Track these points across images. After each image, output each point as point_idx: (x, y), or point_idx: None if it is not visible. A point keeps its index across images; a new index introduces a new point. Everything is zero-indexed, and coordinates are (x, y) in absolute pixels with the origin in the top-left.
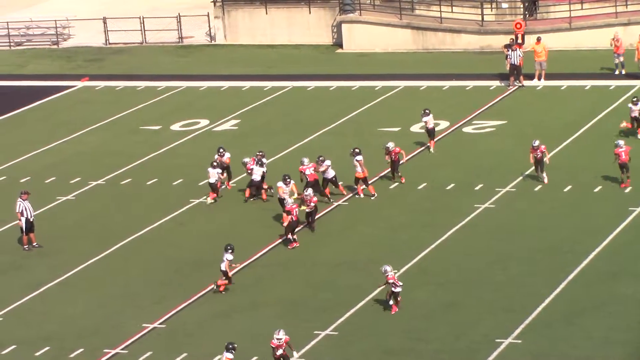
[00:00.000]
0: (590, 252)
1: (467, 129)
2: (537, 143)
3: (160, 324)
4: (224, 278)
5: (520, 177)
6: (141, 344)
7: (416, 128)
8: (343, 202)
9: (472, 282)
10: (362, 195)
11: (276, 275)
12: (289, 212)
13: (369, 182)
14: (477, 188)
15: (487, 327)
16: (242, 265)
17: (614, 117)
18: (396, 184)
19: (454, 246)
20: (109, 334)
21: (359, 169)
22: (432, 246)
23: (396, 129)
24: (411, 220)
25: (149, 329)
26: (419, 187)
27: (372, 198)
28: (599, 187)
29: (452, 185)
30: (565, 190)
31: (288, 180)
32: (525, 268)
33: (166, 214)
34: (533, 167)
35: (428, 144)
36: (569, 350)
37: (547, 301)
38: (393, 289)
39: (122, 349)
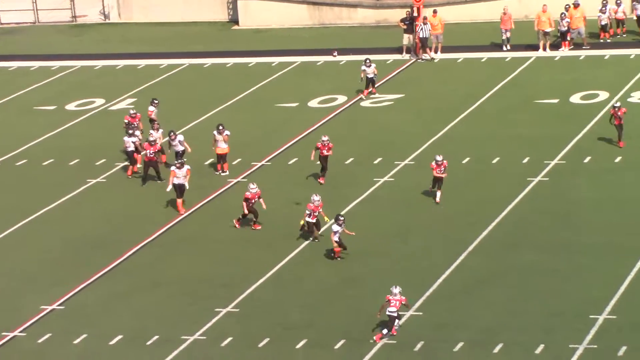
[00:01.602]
0: (490, 223)
1: (365, 103)
2: (440, 158)
3: (59, 305)
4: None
5: (419, 150)
6: (40, 326)
7: (314, 103)
8: (242, 178)
9: (372, 255)
10: (226, 172)
11: (176, 253)
12: (247, 200)
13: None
14: (376, 162)
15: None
16: (141, 245)
17: (510, 89)
18: (296, 159)
19: (354, 220)
20: (7, 317)
21: (223, 144)
22: (331, 222)
23: (294, 105)
24: (310, 195)
25: (47, 310)
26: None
27: (223, 174)
28: (497, 159)
29: (351, 159)
30: (464, 162)
31: (179, 164)
32: (424, 240)
33: (63, 194)
34: (429, 143)
35: (370, 91)
36: (470, 321)
37: (447, 273)
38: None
39: (20, 332)
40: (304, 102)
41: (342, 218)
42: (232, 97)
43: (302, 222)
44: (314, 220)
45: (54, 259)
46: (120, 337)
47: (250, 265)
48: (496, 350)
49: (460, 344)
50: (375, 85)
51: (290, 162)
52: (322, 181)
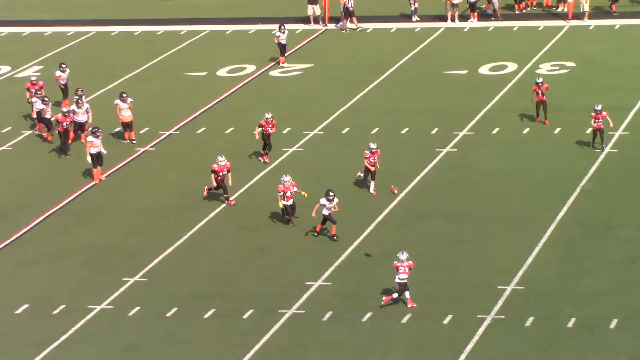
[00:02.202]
0: (399, 194)
1: (274, 73)
2: (374, 146)
3: None
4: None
5: (328, 120)
6: None
7: (223, 72)
8: (150, 147)
9: (281, 226)
10: (134, 140)
11: (83, 223)
12: (214, 172)
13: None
14: (285, 132)
15: (297, 270)
16: (48, 214)
17: (419, 60)
18: (204, 128)
19: (264, 190)
20: None
21: (127, 112)
22: (241, 190)
23: (202, 74)
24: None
25: None
26: (227, 132)
27: (133, 142)
28: (406, 129)
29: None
30: (373, 132)
31: (98, 132)
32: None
33: None
34: (338, 113)
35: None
36: (378, 291)
37: (356, 243)
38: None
39: None
40: (212, 71)
41: (332, 194)
42: (140, 66)
43: (280, 206)
44: (290, 202)
45: None
46: (26, 306)
47: (159, 235)
48: (404, 320)
49: (369, 314)
50: (285, 55)
51: (198, 132)
52: (266, 160)
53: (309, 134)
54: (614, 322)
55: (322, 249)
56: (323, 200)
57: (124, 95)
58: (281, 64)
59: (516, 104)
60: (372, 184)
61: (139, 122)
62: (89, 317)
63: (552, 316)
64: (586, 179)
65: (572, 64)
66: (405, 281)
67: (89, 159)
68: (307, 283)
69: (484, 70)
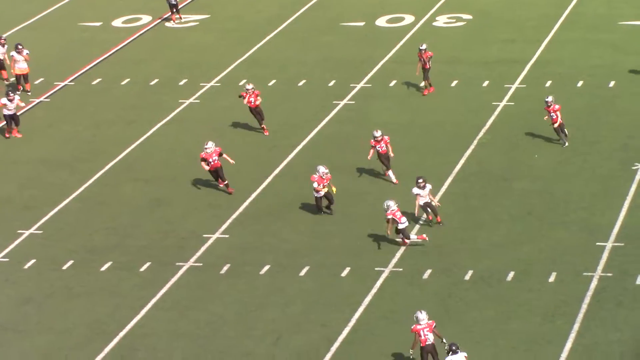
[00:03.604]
0: (296, 146)
1: (170, 24)
2: (379, 134)
3: None
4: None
5: (225, 72)
6: None
7: (118, 23)
8: (44, 98)
9: (177, 178)
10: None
11: None
12: (204, 160)
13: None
14: (181, 83)
15: (194, 223)
16: None
17: (316, 11)
18: (99, 79)
19: (160, 142)
20: None
21: (23, 64)
22: (137, 142)
23: (97, 24)
24: (116, 117)
25: None
26: (123, 83)
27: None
28: (304, 81)
29: (156, 80)
30: (270, 84)
31: (11, 95)
32: (229, 163)
33: None
34: (235, 65)
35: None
36: (276, 244)
37: (254, 195)
38: (397, 225)
39: None
40: (108, 22)
41: (421, 180)
42: (33, 16)
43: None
44: (321, 194)
45: None
46: None
47: (53, 187)
48: (302, 273)
49: (267, 267)
50: (180, 7)
51: (93, 83)
52: (266, 133)
53: (206, 85)
54: (511, 274)
55: (220, 202)
56: (416, 190)
57: (20, 47)
58: (175, 22)
59: (413, 57)
60: (390, 172)
61: (34, 73)
62: None
63: (450, 269)
64: (483, 132)
65: (469, 17)
66: (406, 225)
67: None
68: (204, 236)
69: (381, 22)
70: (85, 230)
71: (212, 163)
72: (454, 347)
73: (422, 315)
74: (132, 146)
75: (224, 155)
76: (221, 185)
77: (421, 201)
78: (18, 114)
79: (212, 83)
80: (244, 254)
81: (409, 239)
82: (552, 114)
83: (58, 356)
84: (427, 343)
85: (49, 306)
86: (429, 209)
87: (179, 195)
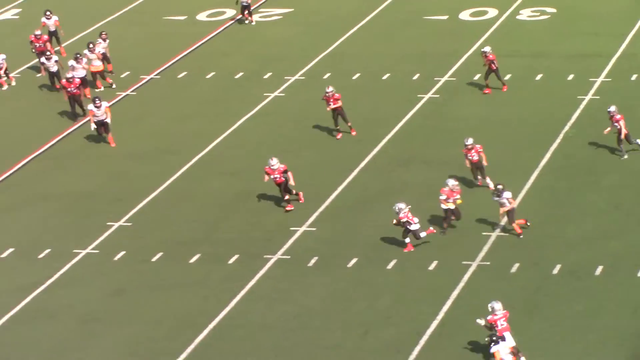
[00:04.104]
0: (381, 139)
1: (254, 17)
2: (470, 142)
3: None
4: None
5: (309, 66)
6: None
7: (202, 17)
8: (131, 92)
9: (263, 171)
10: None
11: (65, 167)
12: (267, 174)
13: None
14: (266, 76)
15: (281, 216)
16: (29, 158)
17: (400, 5)
18: (185, 72)
19: (246, 135)
20: None
21: (97, 62)
22: (223, 135)
23: (182, 18)
24: (201, 110)
25: None
26: (208, 76)
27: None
28: (387, 75)
29: (241, 74)
30: (354, 77)
31: (97, 102)
32: (317, 155)
33: None
34: (319, 58)
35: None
36: (364, 237)
37: (339, 189)
38: (408, 227)
39: None
40: (192, 15)
41: (500, 187)
42: (118, 10)
43: (444, 206)
44: (450, 207)
45: None
46: (11, 250)
47: (141, 179)
48: (390, 266)
49: (354, 260)
50: (251, 10)
51: (179, 76)
52: (354, 133)
53: (291, 79)
54: (599, 268)
55: (306, 195)
56: (505, 195)
57: (91, 45)
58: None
59: (497, 50)
60: (487, 179)
61: (120, 66)
62: (74, 261)
63: (537, 263)
64: (568, 126)
65: (553, 10)
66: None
67: (93, 126)
68: (291, 229)
69: (465, 15)
70: (175, 222)
71: (276, 179)
72: (494, 338)
73: (498, 306)
74: (218, 139)
75: (289, 174)
76: (286, 198)
77: (504, 208)
78: (109, 120)
79: (296, 76)
80: (331, 246)
81: (419, 238)
82: (615, 124)
83: (148, 347)
84: (503, 333)
85: (139, 297)
86: (508, 216)
87: (265, 188)
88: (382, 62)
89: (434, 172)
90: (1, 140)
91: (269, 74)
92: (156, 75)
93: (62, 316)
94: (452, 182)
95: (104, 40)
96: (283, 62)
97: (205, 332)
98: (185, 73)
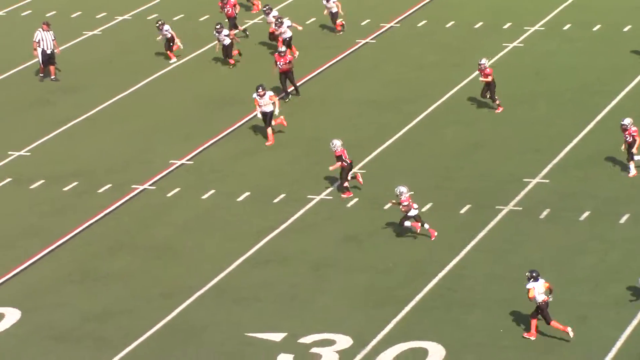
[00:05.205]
0: (619, 92)
1: None
2: (627, 122)
3: (187, 160)
4: None
5: (549, 16)
6: (168, 180)
7: None
8: (371, 39)
9: (499, 121)
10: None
11: (303, 114)
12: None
13: None
14: (505, 27)
15: (514, 167)
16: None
17: None
18: (424, 21)
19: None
20: (137, 170)
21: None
22: (460, 85)
23: None
24: (440, 60)
25: (176, 165)
26: (447, 26)
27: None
28: (629, 27)
29: (481, 23)
30: (595, 29)
31: (260, 91)
32: (553, 108)
33: (194, 50)
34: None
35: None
36: (595, 191)
37: (575, 141)
38: (408, 213)
39: (149, 185)
40: None
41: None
42: None
43: None
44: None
45: (183, 114)
46: (247, 194)
47: (377, 127)
48: (622, 220)
49: (586, 213)
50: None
51: (419, 25)
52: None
53: (530, 30)
54: None
55: (541, 146)
56: None
57: (218, 26)
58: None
59: None
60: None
61: (360, 14)
62: (308, 206)
63: None
64: None
65: None
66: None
67: (258, 115)
68: (524, 180)
69: None
70: (407, 170)
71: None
72: (534, 274)
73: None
74: (455, 89)
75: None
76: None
77: None
78: (276, 112)
79: (536, 27)
80: (563, 199)
81: (402, 225)
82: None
83: (378, 294)
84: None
85: (370, 245)
86: None
87: (499, 139)
88: (622, 13)
89: None
90: (241, 86)
91: (508, 24)
92: (396, 23)
93: (295, 261)
94: (404, 189)
95: (267, 14)
96: (523, 12)
97: (435, 280)
98: (424, 22)
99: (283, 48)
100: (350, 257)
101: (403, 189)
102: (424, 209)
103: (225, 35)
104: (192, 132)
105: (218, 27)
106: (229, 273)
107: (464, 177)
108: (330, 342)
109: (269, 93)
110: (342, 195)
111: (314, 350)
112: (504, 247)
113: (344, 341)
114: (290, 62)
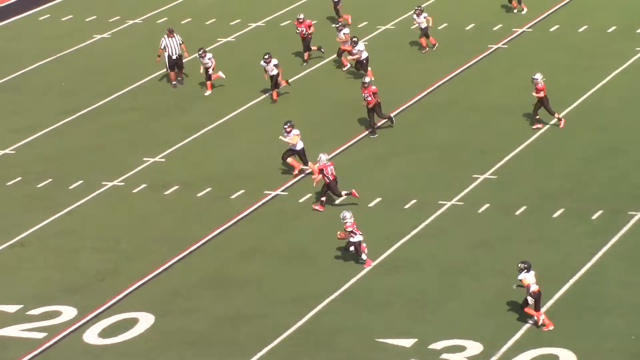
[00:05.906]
0: None
1: None
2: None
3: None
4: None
5: None
6: (300, 185)
7: None
8: (503, 44)
9: (633, 126)
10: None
11: (434, 118)
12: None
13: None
14: (638, 31)
15: None
16: (402, 108)
17: None
18: (557, 26)
19: (615, 90)
20: (269, 176)
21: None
22: (593, 90)
23: None
24: (571, 64)
25: (308, 171)
26: (580, 30)
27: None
28: None
29: (614, 27)
30: None
31: (287, 127)
32: None
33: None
34: None
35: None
36: None
37: None
38: (351, 238)
39: (282, 191)
40: None
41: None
42: None
43: None
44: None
45: (314, 121)
46: (378, 200)
47: (507, 133)
48: None
49: None
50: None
51: (551, 29)
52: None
53: None
54: None
55: None
56: None
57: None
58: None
59: None
60: None
61: (491, 19)
62: (439, 212)
63: None
64: None
65: None
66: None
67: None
68: None
69: None
70: (539, 176)
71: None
72: (526, 265)
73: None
74: (588, 93)
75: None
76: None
77: None
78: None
79: None
80: None
81: (350, 250)
82: None
83: (507, 300)
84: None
85: (501, 250)
86: None
87: (634, 144)
88: None
89: None
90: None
91: None
92: (528, 28)
93: (426, 266)
94: (347, 215)
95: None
96: None
97: (566, 286)
98: (557, 26)
99: (367, 79)
100: (480, 263)
101: (347, 214)
102: (555, 215)
103: (274, 65)
104: (324, 138)
105: (201, 52)
106: (359, 278)
107: (597, 182)
108: (460, 348)
109: (295, 131)
110: (313, 205)
111: (444, 356)
112: (637, 254)
113: (474, 347)
114: (375, 93)
